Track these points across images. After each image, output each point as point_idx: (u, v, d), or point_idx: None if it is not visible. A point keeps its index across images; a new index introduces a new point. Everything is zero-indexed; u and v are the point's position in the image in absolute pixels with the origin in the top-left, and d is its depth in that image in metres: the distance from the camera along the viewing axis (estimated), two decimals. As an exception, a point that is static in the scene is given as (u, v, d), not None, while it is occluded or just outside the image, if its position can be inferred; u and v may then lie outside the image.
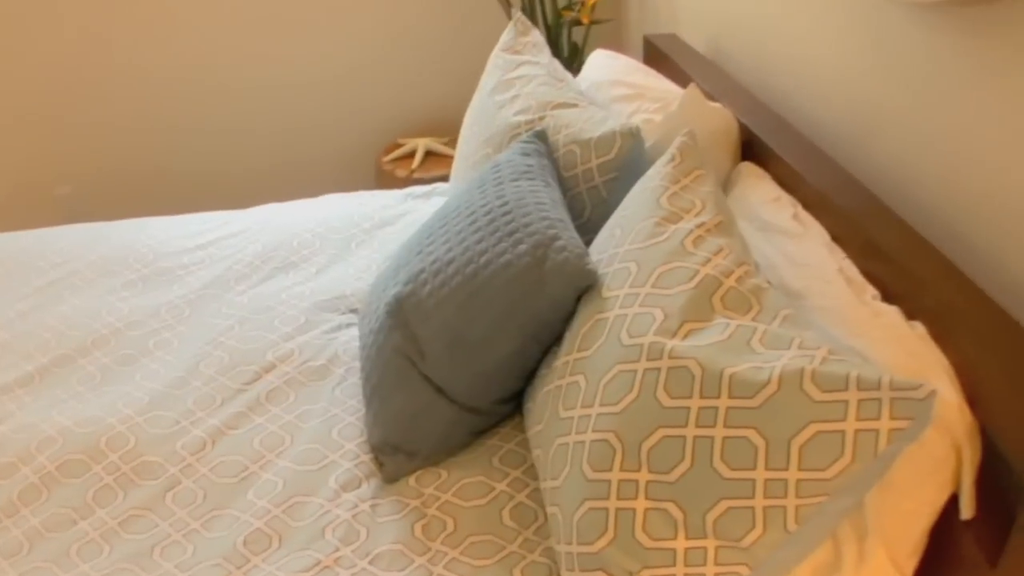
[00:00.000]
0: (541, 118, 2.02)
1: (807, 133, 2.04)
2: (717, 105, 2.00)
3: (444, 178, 3.13)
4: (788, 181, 1.85)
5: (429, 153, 3.32)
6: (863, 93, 1.87)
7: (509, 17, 3.11)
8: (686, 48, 2.62)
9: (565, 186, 1.89)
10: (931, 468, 1.31)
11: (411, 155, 3.34)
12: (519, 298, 1.56)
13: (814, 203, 1.75)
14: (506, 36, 2.38)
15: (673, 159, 1.62)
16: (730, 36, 2.52)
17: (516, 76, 2.21)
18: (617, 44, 3.47)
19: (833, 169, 1.82)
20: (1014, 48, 1.46)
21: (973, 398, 1.34)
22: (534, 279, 1.54)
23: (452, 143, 3.39)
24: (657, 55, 2.62)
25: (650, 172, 1.65)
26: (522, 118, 2.05)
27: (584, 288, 1.53)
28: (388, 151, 3.41)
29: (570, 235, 1.59)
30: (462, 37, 3.48)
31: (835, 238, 1.67)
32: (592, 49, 3.33)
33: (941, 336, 1.41)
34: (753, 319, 1.35)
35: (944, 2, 1.54)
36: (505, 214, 1.66)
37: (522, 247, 1.58)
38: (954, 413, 1.31)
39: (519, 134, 2.04)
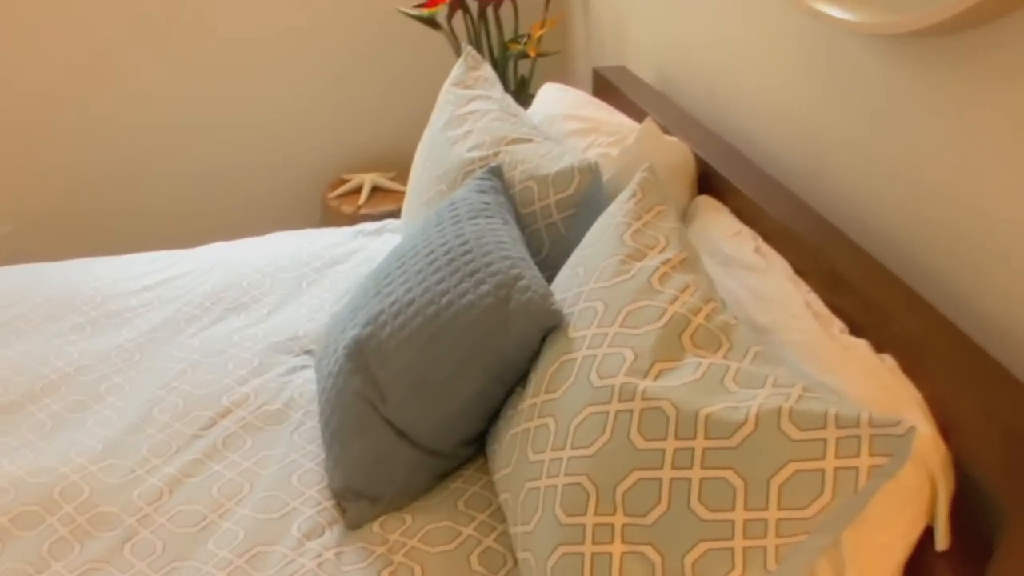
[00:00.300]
0: (496, 154, 2.00)
1: (763, 164, 2.05)
2: (674, 139, 1.99)
3: (392, 214, 3.11)
4: (747, 214, 1.84)
5: (376, 188, 3.29)
6: (818, 123, 1.87)
7: (456, 51, 3.10)
8: (636, 80, 2.62)
9: (522, 223, 1.87)
10: (905, 500, 1.30)
11: (357, 191, 3.30)
12: (483, 339, 1.53)
13: (775, 236, 1.75)
14: (456, 71, 2.36)
15: (634, 195, 1.61)
16: (679, 67, 2.52)
17: (468, 111, 2.19)
18: (564, 76, 3.47)
19: (792, 201, 1.82)
20: (971, 78, 1.46)
21: (946, 429, 1.33)
22: (498, 320, 1.52)
23: (399, 178, 3.37)
24: (607, 87, 2.62)
25: (611, 208, 1.63)
26: (476, 154, 2.03)
27: (549, 328, 1.51)
28: (334, 187, 3.37)
29: (533, 274, 1.57)
30: (407, 71, 3.47)
31: (798, 271, 1.66)
32: (540, 82, 3.32)
33: (911, 368, 1.40)
34: (724, 357, 1.34)
35: (898, 33, 1.55)
36: (465, 253, 1.64)
37: (484, 287, 1.56)
38: (928, 445, 1.30)
39: (473, 170, 2.02)
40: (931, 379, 1.37)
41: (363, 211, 3.16)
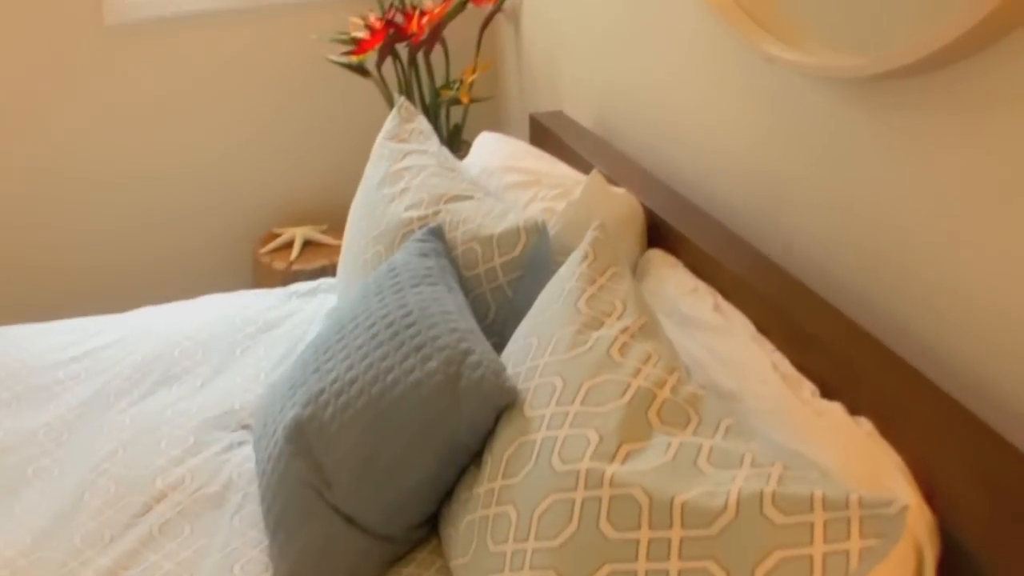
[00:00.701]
0: (435, 213, 1.92)
1: (715, 212, 1.98)
2: (621, 190, 1.93)
3: (326, 269, 3.00)
4: (703, 268, 1.78)
5: (308, 242, 3.19)
6: (772, 167, 1.82)
7: (386, 98, 3.02)
8: (574, 125, 2.56)
9: (467, 286, 1.78)
10: (891, 570, 1.23)
11: (289, 245, 3.19)
12: (433, 420, 1.44)
13: (734, 291, 1.69)
14: (390, 123, 2.27)
15: (587, 257, 1.53)
16: (620, 111, 2.47)
17: (404, 167, 2.10)
18: (499, 122, 3.40)
19: (749, 253, 1.76)
20: (930, 119, 1.43)
21: (929, 493, 1.28)
22: (448, 400, 1.43)
23: (331, 231, 3.26)
24: (544, 134, 2.56)
25: (562, 272, 1.55)
26: (414, 213, 1.94)
27: (503, 407, 1.42)
28: (264, 241, 3.26)
29: (483, 348, 1.48)
30: (335, 119, 3.37)
31: (761, 329, 1.60)
32: (474, 128, 3.24)
33: (889, 430, 1.35)
34: (694, 433, 1.26)
35: (854, 78, 1.50)
36: (409, 326, 1.55)
37: (432, 363, 1.47)
38: (913, 512, 1.24)
39: (412, 231, 1.92)
40: (911, 441, 1.32)
41: (296, 267, 3.05)
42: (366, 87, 3.13)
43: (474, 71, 3.06)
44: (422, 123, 2.27)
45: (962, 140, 1.37)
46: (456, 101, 3.01)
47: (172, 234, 3.40)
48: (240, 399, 2.02)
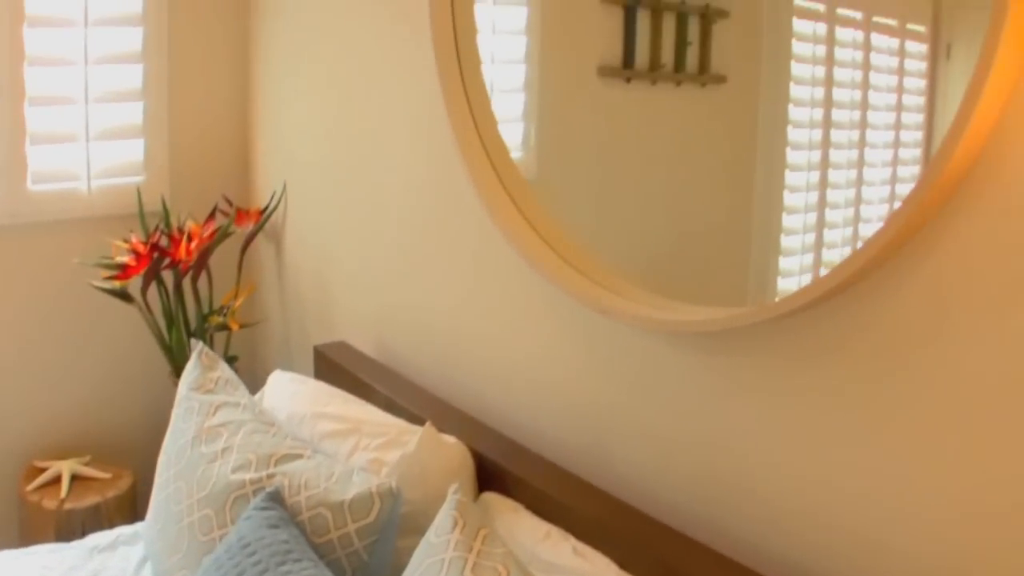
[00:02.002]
0: (269, 476, 1.89)
1: (532, 446, 2.06)
2: (452, 439, 1.99)
3: (100, 508, 2.82)
4: (543, 508, 1.85)
5: (76, 477, 3.00)
6: (589, 402, 1.95)
7: (150, 326, 2.94)
8: (359, 356, 2.60)
9: (319, 552, 1.77)
10: None
11: (55, 480, 3.00)
12: None
13: (585, 532, 1.76)
14: (192, 372, 2.23)
15: (456, 523, 1.58)
16: (400, 339, 2.54)
17: (219, 423, 2.07)
18: (266, 348, 3.37)
19: (592, 492, 1.85)
20: (756, 368, 1.62)
21: None
22: None
23: (95, 462, 3.08)
24: (329, 365, 2.58)
25: (433, 540, 1.59)
26: (245, 476, 1.91)
27: None
28: (29, 478, 3.03)
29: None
30: (95, 346, 3.21)
31: (622, 564, 1.67)
32: (242, 355, 3.21)
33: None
34: None
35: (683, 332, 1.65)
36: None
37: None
38: None
39: (245, 495, 1.89)
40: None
41: (68, 505, 2.86)
42: (126, 311, 3.03)
43: (236, 296, 3.04)
44: (225, 370, 2.25)
45: (782, 384, 1.58)
46: (224, 327, 2.98)
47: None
48: None
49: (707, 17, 1.83)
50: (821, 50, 1.70)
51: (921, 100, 1.58)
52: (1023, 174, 1.25)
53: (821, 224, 1.71)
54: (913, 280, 1.39)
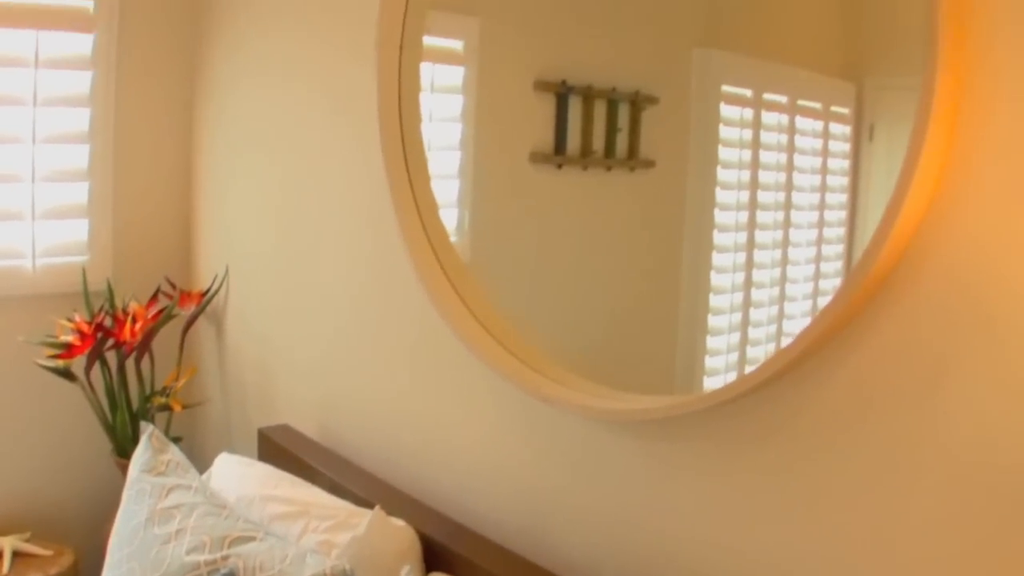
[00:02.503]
0: (224, 557, 1.93)
1: (479, 528, 2.11)
2: (400, 522, 2.04)
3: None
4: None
5: (17, 553, 2.98)
6: (531, 487, 2.00)
7: (92, 405, 2.96)
8: (303, 439, 2.63)
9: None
10: None
11: (-3, 557, 2.98)
12: None
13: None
14: (143, 455, 2.27)
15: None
16: (343, 423, 2.58)
17: (172, 505, 2.10)
18: (207, 429, 3.38)
19: (530, 569, 1.90)
20: (692, 453, 1.71)
21: None
22: None
23: (36, 539, 3.05)
24: (274, 448, 2.61)
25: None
26: (200, 557, 1.95)
27: None
28: (-33, 555, 3.01)
29: None
30: (37, 423, 3.21)
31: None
32: (184, 432, 3.22)
33: None
34: None
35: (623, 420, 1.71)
36: None
37: None
38: None
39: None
40: None
41: (13, 583, 2.85)
42: (70, 389, 3.04)
43: (178, 376, 3.06)
44: (176, 453, 2.29)
45: (717, 467, 1.67)
46: (167, 408, 3.00)
47: None
48: None
49: (637, 104, 1.91)
50: (748, 134, 1.78)
51: (845, 180, 1.66)
52: (942, 271, 1.34)
53: (746, 323, 1.79)
54: (837, 371, 1.48)
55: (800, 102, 1.73)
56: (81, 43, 3.14)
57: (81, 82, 3.17)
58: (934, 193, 1.33)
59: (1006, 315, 1.27)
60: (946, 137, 1.30)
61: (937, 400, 1.35)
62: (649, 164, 1.92)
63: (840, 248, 1.67)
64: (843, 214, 1.65)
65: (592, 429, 1.87)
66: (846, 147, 1.64)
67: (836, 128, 1.66)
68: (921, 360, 1.37)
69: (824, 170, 1.70)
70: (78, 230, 3.25)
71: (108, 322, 3.00)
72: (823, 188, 1.70)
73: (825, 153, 1.69)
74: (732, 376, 1.85)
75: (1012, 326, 1.27)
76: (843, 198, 1.64)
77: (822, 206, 1.69)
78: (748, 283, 1.81)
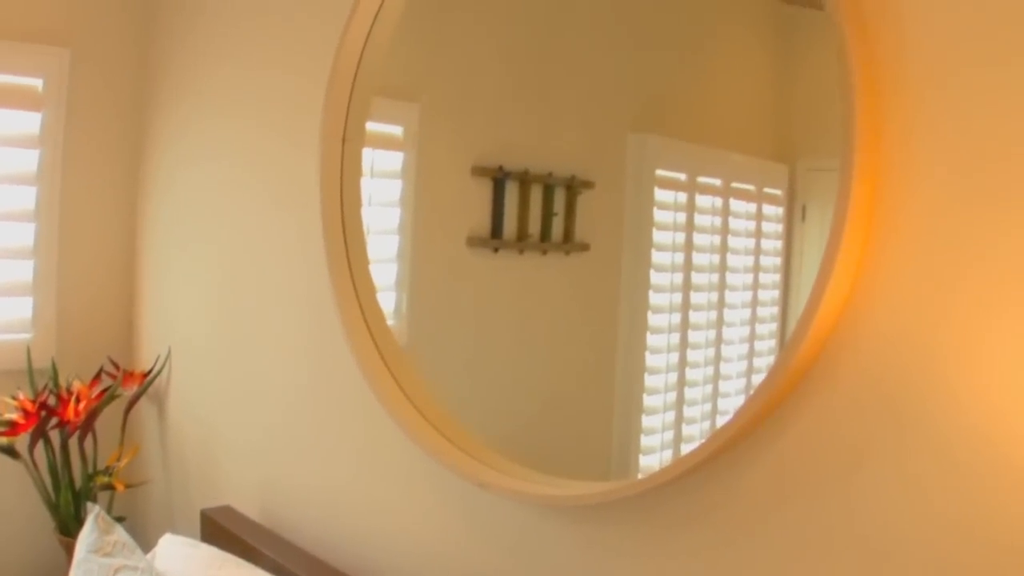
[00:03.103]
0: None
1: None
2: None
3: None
4: None
5: None
6: (475, 571, 2.02)
7: (36, 483, 2.92)
8: (245, 521, 2.62)
9: None
10: None
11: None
12: None
13: None
14: (89, 536, 2.27)
15: None
16: (285, 506, 2.57)
17: (119, 587, 2.09)
18: (149, 509, 3.35)
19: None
20: (627, 536, 1.73)
21: None
22: None
23: None
24: (216, 529, 2.60)
25: None
26: (147, 638, 1.93)
27: None
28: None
29: None
30: None
31: None
32: (126, 512, 3.19)
33: None
34: None
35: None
36: None
37: None
38: None
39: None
40: None
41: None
42: (12, 467, 3.01)
43: (121, 456, 3.04)
44: (122, 534, 2.30)
45: (652, 549, 1.70)
46: (110, 487, 2.97)
47: None
48: None
49: (573, 188, 1.95)
50: (682, 217, 1.82)
51: (778, 260, 1.69)
52: (857, 367, 1.40)
53: (681, 401, 1.81)
54: (765, 455, 1.52)
55: (734, 184, 1.77)
56: (29, 121, 3.17)
57: (28, 160, 3.19)
58: (850, 292, 1.39)
59: (912, 411, 1.34)
60: (863, 229, 1.36)
61: (851, 490, 1.41)
62: (584, 247, 1.95)
63: (774, 327, 1.70)
64: (776, 293, 1.68)
65: (529, 514, 1.88)
66: (779, 227, 1.68)
67: (769, 209, 1.70)
68: (836, 451, 1.43)
69: (758, 250, 1.74)
70: (23, 308, 3.25)
71: (52, 401, 2.99)
72: (756, 268, 1.74)
73: (759, 234, 1.73)
74: (668, 454, 1.88)
75: (917, 421, 1.33)
76: (776, 277, 1.68)
77: (756, 285, 1.73)
78: (683, 362, 1.84)
